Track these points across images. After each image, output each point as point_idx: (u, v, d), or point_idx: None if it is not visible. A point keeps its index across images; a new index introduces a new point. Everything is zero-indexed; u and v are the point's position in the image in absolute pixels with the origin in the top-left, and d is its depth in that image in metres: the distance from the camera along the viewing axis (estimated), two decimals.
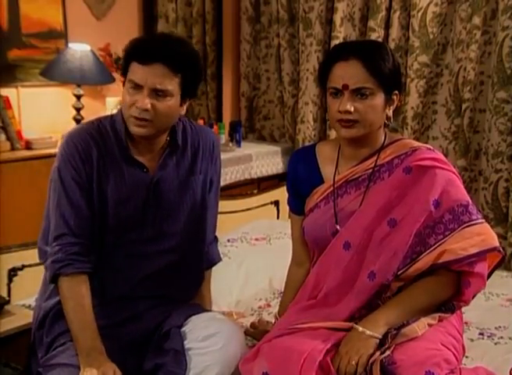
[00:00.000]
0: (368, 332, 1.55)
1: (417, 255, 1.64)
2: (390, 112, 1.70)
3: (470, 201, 1.68)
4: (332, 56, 1.69)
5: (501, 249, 1.69)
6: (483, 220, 1.68)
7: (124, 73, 1.71)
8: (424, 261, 1.63)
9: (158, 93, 1.65)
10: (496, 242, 1.66)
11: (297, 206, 1.84)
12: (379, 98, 1.65)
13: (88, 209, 1.70)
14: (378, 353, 1.51)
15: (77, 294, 1.66)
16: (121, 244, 1.75)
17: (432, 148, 1.73)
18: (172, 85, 1.66)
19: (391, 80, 1.66)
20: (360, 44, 1.77)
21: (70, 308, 1.66)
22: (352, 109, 1.62)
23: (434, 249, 1.63)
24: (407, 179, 1.67)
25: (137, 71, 1.65)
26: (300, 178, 1.82)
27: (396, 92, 1.70)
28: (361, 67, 1.62)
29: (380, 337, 1.55)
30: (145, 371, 1.71)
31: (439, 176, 1.66)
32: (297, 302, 1.78)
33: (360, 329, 1.56)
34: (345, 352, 1.53)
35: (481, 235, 1.64)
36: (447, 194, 1.65)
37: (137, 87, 1.65)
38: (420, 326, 1.58)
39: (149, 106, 1.64)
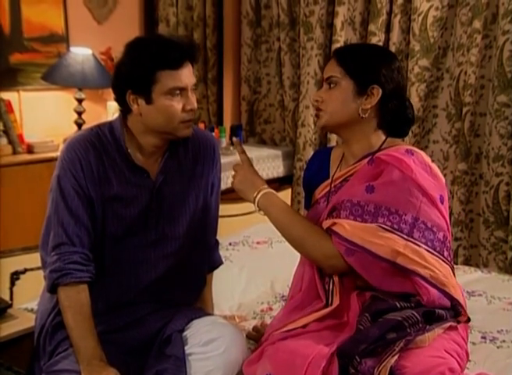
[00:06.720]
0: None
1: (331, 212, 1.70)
2: (367, 105, 1.68)
3: (399, 210, 1.59)
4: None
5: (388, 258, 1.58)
6: (398, 232, 1.58)
7: (144, 87, 1.64)
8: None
9: (193, 88, 1.71)
10: (388, 255, 1.57)
11: (308, 202, 1.90)
12: (346, 87, 1.68)
13: (87, 218, 1.68)
14: (386, 357, 1.49)
15: (77, 302, 1.65)
16: (124, 250, 1.74)
17: (414, 153, 1.67)
18: None
19: (362, 71, 1.68)
20: (350, 45, 1.85)
21: (70, 317, 1.64)
22: (317, 98, 1.71)
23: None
24: (369, 169, 1.68)
25: (175, 77, 1.64)
26: (312, 174, 1.89)
27: (375, 86, 1.68)
28: (335, 60, 1.72)
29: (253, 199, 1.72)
30: None
31: (393, 175, 1.62)
32: (289, 300, 1.82)
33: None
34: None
35: (382, 239, 1.57)
36: (383, 192, 1.61)
37: (181, 91, 1.66)
38: (431, 336, 1.56)
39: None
